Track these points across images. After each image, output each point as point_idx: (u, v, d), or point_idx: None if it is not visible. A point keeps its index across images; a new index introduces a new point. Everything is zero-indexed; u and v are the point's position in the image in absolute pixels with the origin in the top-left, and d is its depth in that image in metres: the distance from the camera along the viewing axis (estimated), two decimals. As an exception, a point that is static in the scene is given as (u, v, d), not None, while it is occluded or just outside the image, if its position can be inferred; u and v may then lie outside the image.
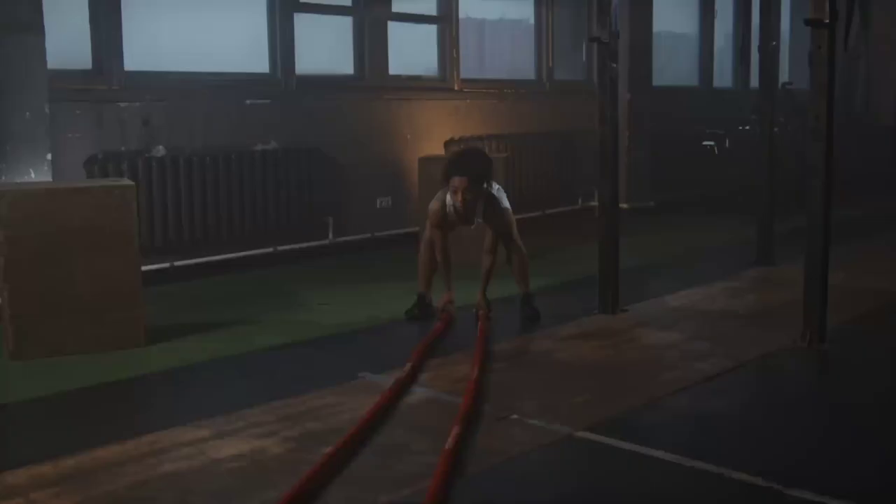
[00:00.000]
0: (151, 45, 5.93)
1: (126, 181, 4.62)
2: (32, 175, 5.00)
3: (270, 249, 6.51)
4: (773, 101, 6.01)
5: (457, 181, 4.55)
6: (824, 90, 4.00)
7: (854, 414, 3.47)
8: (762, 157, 6.13)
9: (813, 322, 4.18)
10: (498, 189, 4.91)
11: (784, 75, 10.64)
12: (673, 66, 10.16)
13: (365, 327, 4.79)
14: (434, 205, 4.76)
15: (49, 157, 5.11)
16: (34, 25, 4.98)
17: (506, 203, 4.89)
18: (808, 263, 4.19)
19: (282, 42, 6.56)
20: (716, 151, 9.25)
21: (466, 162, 4.66)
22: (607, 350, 4.22)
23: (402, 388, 3.62)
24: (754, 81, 6.17)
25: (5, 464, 2.94)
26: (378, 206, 7.25)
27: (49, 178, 5.06)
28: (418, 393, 3.62)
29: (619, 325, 4.65)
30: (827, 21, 3.93)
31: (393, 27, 7.25)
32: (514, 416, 3.32)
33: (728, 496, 2.69)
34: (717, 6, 10.17)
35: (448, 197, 4.67)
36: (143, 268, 5.65)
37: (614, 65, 4.77)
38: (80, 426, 3.39)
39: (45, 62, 5.07)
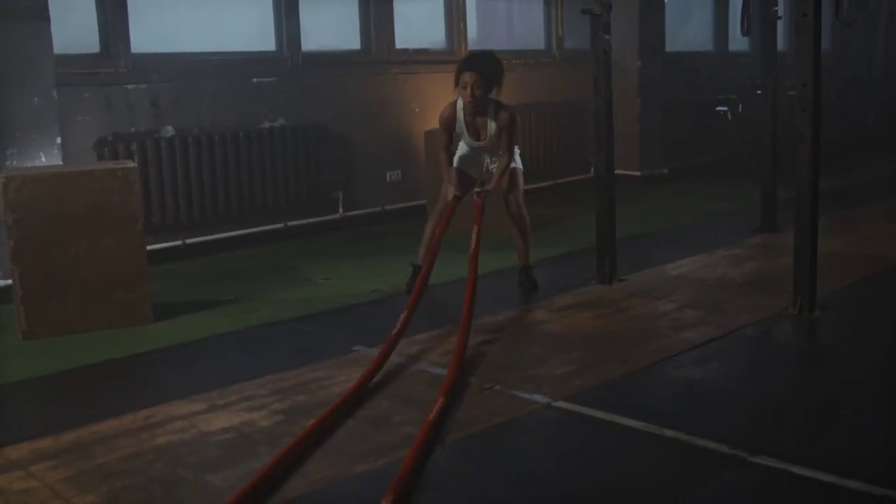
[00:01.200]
0: (158, 27, 6.03)
1: (130, 163, 4.74)
2: (43, 159, 5.14)
3: (281, 225, 6.63)
4: (775, 67, 5.99)
5: (467, 76, 4.66)
6: (810, 56, 4.00)
7: (833, 382, 3.52)
8: (765, 122, 6.12)
9: (803, 289, 4.22)
10: (518, 154, 5.01)
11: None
12: (687, 29, 10.09)
13: (365, 301, 4.90)
14: (445, 110, 4.88)
15: (58, 140, 5.23)
16: (40, 11, 5.08)
17: (519, 163, 4.99)
18: (798, 230, 4.23)
19: (287, 19, 6.63)
20: (729, 117, 9.20)
21: (476, 59, 4.80)
22: (598, 321, 4.29)
23: (393, 343, 3.72)
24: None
25: (9, 438, 3.10)
26: (388, 179, 7.34)
27: (59, 162, 5.19)
28: (408, 365, 3.73)
29: (615, 296, 4.72)
30: (812, -10, 3.94)
31: (399, 1, 7.29)
32: (498, 387, 3.42)
33: (692, 463, 2.77)
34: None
35: (459, 102, 4.79)
36: (155, 246, 5.88)
37: (607, 36, 4.79)
38: (82, 402, 3.54)
39: (51, 48, 5.17)
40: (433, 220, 5.01)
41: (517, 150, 5.00)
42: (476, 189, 4.82)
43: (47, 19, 5.13)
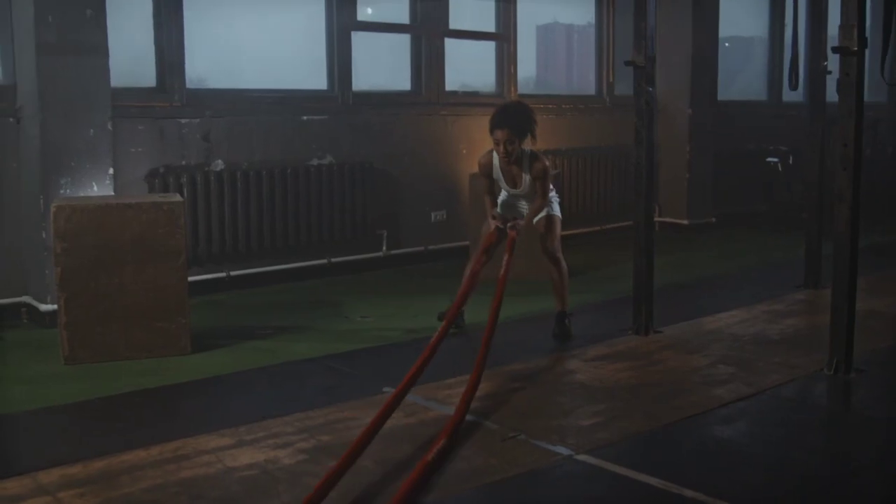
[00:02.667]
0: (213, 63, 6.22)
1: (177, 197, 4.87)
2: (95, 189, 5.32)
3: (324, 261, 6.73)
4: (823, 122, 5.94)
5: (498, 134, 4.78)
6: (852, 117, 3.98)
7: (865, 449, 3.46)
8: (812, 176, 6.07)
9: (839, 349, 4.16)
10: (554, 194, 5.08)
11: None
12: (741, 78, 10.06)
13: (401, 341, 4.95)
14: (483, 157, 5.02)
15: (111, 171, 5.41)
16: (99, 47, 5.29)
17: (557, 210, 5.06)
18: (835, 290, 4.17)
19: (339, 59, 6.78)
20: (780, 168, 9.12)
21: (506, 115, 4.85)
22: (629, 372, 4.28)
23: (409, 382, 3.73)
24: (831, 95, 6.04)
25: (43, 463, 3.19)
26: (433, 219, 7.41)
27: (111, 192, 5.37)
28: (433, 409, 3.75)
29: (648, 348, 4.70)
30: (855, 49, 3.92)
31: (450, 43, 7.40)
32: (521, 437, 3.43)
33: (711, 525, 2.75)
34: (786, 19, 10.04)
35: (493, 154, 4.94)
36: (199, 276, 6.03)
37: (650, 88, 4.82)
38: (115, 430, 3.62)
39: (108, 81, 5.37)
40: (473, 260, 5.06)
41: (556, 198, 5.05)
42: (509, 223, 4.88)
43: (106, 55, 5.33)
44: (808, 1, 6.15)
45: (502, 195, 5.14)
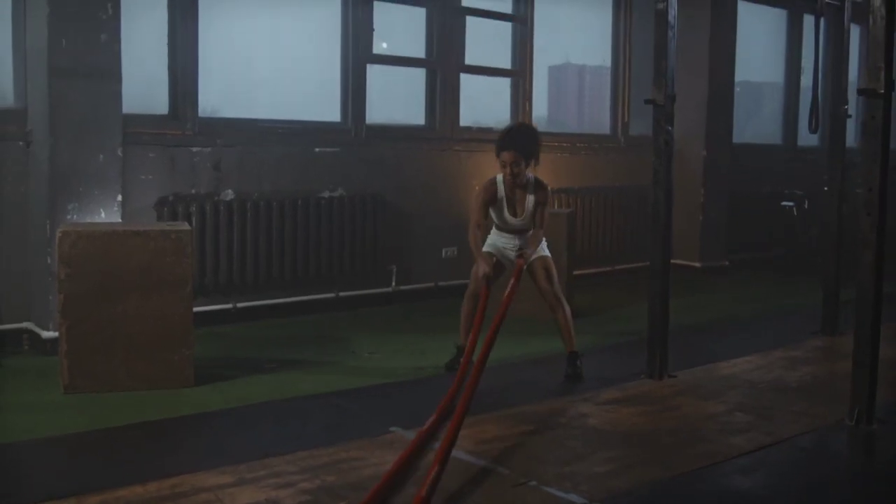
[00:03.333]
0: (226, 92, 6.18)
1: (184, 225, 4.80)
2: (103, 215, 5.24)
3: (332, 295, 6.63)
4: (842, 166, 5.86)
5: (506, 156, 4.80)
6: (877, 161, 3.89)
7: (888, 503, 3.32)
8: (831, 221, 5.97)
9: (861, 400, 4.03)
10: (543, 243, 5.03)
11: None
12: (756, 122, 10.01)
13: (408, 379, 4.84)
14: (488, 185, 4.97)
15: (119, 198, 5.34)
16: (112, 73, 5.25)
17: (548, 251, 5.02)
18: (858, 338, 4.05)
19: (354, 91, 6.73)
20: (795, 212, 9.02)
21: (514, 137, 4.87)
22: (644, 418, 4.15)
23: (424, 442, 3.63)
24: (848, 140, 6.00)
25: (36, 496, 3.08)
26: (443, 255, 7.32)
27: (119, 219, 5.30)
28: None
29: (663, 392, 4.57)
30: (882, 91, 3.84)
31: (465, 79, 7.35)
32: (533, 483, 3.30)
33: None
34: (803, 63, 10.02)
35: (499, 177, 4.91)
36: (206, 307, 5.93)
37: (669, 127, 4.74)
38: (112, 463, 3.50)
39: (120, 107, 5.33)
40: (468, 301, 4.98)
41: (543, 241, 5.01)
42: (517, 253, 4.88)
43: (119, 81, 5.29)
44: (826, 46, 6.09)
45: (493, 236, 5.07)
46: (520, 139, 4.88)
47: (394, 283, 6.97)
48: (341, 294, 6.67)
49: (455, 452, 3.59)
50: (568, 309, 4.95)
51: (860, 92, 3.91)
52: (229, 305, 6.13)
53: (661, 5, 4.67)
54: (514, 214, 4.96)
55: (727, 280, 8.50)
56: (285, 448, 3.59)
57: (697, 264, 8.70)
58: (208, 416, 4.11)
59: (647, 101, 4.76)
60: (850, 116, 5.86)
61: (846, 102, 5.79)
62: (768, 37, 10.03)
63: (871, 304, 3.99)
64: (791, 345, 5.66)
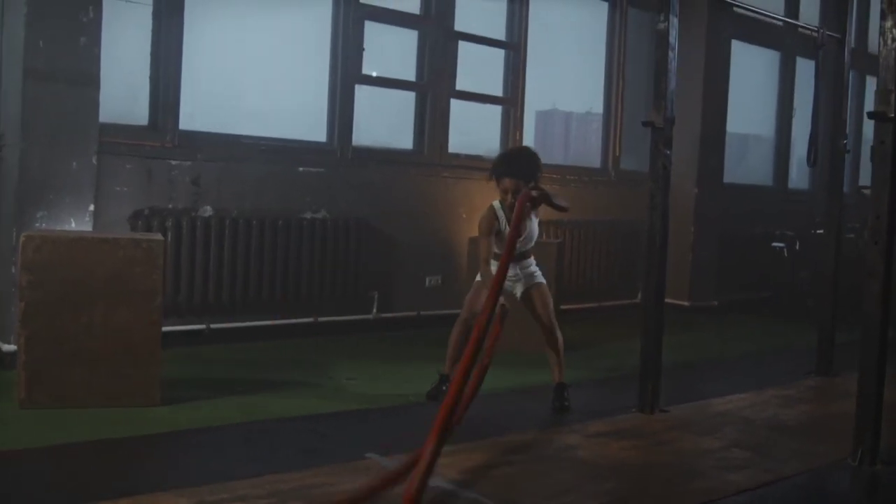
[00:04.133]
0: (209, 106, 5.97)
1: (156, 235, 4.56)
2: (73, 225, 5.01)
3: (311, 319, 6.39)
4: (840, 202, 5.70)
5: (507, 183, 4.59)
6: (886, 187, 3.72)
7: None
8: (827, 261, 5.79)
9: (865, 439, 3.82)
10: (536, 265, 4.85)
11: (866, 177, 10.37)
12: (747, 164, 9.90)
13: (387, 406, 4.59)
14: (485, 216, 4.72)
15: (91, 207, 5.11)
16: (91, 78, 5.05)
17: (542, 278, 4.84)
18: (863, 373, 3.85)
19: (341, 111, 6.54)
20: (785, 254, 8.87)
21: (513, 162, 4.68)
22: (635, 451, 3.91)
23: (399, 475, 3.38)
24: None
25: (-25, 515, 2.82)
26: (427, 283, 7.10)
27: (89, 229, 5.06)
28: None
29: (655, 427, 4.34)
30: (892, 115, 3.68)
31: (456, 104, 7.19)
32: (518, 514, 3.06)
33: None
34: (795, 104, 9.95)
35: (496, 202, 4.71)
36: (178, 327, 5.68)
37: (668, 151, 4.56)
38: (64, 483, 3.24)
39: (97, 114, 5.12)
40: (458, 327, 4.78)
41: (538, 268, 4.85)
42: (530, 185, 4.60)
43: (97, 86, 5.09)
44: (815, 89, 5.93)
45: (491, 268, 4.84)
46: (521, 164, 4.68)
47: (375, 311, 6.73)
48: (320, 319, 6.42)
49: (437, 481, 3.35)
50: (561, 338, 4.74)
51: (870, 116, 3.75)
52: (203, 326, 5.87)
53: (662, 25, 4.53)
54: (518, 235, 4.73)
55: (716, 320, 8.31)
56: (252, 471, 3.34)
57: (686, 303, 8.52)
58: (171, 436, 3.85)
59: (644, 123, 4.59)
60: (848, 151, 5.72)
61: (845, 137, 5.65)
62: (761, 78, 9.95)
63: (877, 338, 3.80)
64: (785, 384, 5.45)
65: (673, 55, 4.54)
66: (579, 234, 7.95)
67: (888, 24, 3.69)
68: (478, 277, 4.88)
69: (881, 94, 3.71)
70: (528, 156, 4.80)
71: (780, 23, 8.81)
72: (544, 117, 8.79)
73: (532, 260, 4.89)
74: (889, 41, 3.72)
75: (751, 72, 9.60)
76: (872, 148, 3.79)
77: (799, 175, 10.38)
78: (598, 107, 8.55)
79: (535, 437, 4.07)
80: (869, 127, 10.16)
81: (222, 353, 5.63)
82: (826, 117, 5.69)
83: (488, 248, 4.65)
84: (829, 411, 4.83)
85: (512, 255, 4.15)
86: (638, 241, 8.20)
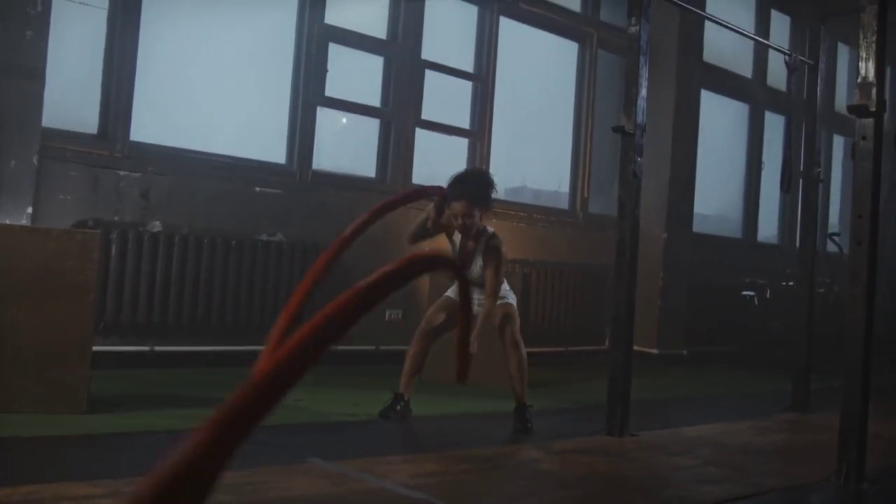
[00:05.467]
0: (162, 118, 5.72)
1: (92, 230, 4.25)
2: (7, 226, 4.68)
3: (263, 347, 6.02)
4: (815, 231, 5.53)
5: (456, 206, 4.28)
6: (869, 185, 3.53)
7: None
8: (801, 299, 5.58)
9: (850, 455, 3.54)
10: (508, 289, 4.57)
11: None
12: (716, 216, 9.77)
13: (334, 422, 4.26)
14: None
15: (29, 210, 4.82)
16: (35, 73, 4.81)
17: (513, 300, 4.55)
18: (846, 386, 3.59)
19: (302, 133, 6.32)
20: (756, 302, 8.68)
21: (464, 185, 4.35)
22: (604, 466, 3.61)
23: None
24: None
25: None
26: (386, 317, 6.79)
27: (25, 233, 4.73)
28: (366, 481, 3.06)
29: (625, 447, 4.04)
30: (873, 109, 3.52)
31: (421, 134, 7.01)
32: (474, 514, 2.74)
33: None
34: (764, 158, 9.90)
35: (431, 211, 4.40)
36: (118, 347, 5.33)
37: (639, 158, 4.37)
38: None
39: (40, 111, 4.87)
40: (418, 340, 4.52)
41: (511, 292, 4.61)
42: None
43: (42, 82, 4.84)
44: (787, 115, 5.84)
45: (454, 286, 4.61)
46: (472, 186, 4.38)
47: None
48: (272, 348, 6.07)
49: (387, 485, 3.04)
50: (524, 356, 4.45)
51: (850, 110, 3.58)
52: (146, 348, 5.52)
53: (632, 29, 4.38)
54: (464, 266, 4.48)
55: (686, 367, 8.05)
56: (179, 468, 2.99)
57: (655, 351, 8.26)
58: (97, 438, 3.49)
59: (615, 129, 4.40)
60: (822, 181, 5.57)
61: (819, 165, 5.51)
62: (730, 130, 9.92)
63: (860, 347, 3.56)
64: (760, 418, 5.17)
65: (644, 60, 4.38)
66: (546, 275, 7.70)
67: (868, 14, 3.54)
68: (448, 293, 4.62)
69: (862, 88, 3.55)
70: (479, 177, 4.54)
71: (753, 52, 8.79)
72: (513, 194, 8.53)
73: (504, 285, 4.64)
74: (869, 34, 3.57)
75: (720, 123, 9.55)
76: (853, 146, 3.60)
77: (768, 228, 10.27)
78: (566, 185, 8.38)
79: (496, 452, 3.76)
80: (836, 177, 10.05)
81: (165, 377, 5.26)
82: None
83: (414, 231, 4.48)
84: (807, 440, 4.56)
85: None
86: (605, 286, 7.99)
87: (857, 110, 3.55)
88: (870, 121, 3.55)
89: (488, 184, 4.46)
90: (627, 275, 4.36)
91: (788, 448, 4.34)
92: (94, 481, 2.74)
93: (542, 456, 3.71)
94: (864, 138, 3.56)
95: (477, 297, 4.49)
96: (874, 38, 3.55)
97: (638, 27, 4.36)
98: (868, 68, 3.53)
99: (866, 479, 3.54)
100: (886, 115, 3.64)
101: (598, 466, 3.57)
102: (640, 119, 4.36)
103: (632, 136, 4.35)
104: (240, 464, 2.84)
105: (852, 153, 3.62)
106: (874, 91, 3.53)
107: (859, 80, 3.56)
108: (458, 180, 4.45)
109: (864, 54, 3.57)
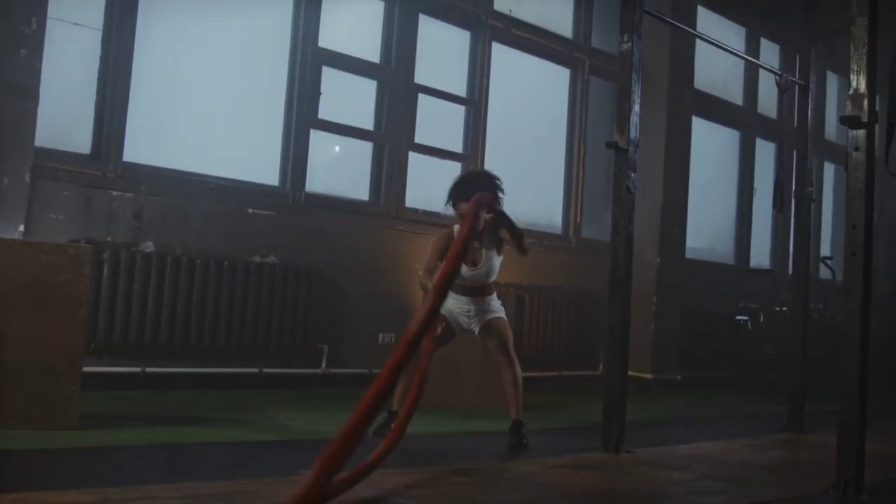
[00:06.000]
0: (155, 139, 5.71)
1: (85, 244, 4.23)
2: (-2, 244, 4.65)
3: (256, 370, 6.00)
4: (807, 249, 5.53)
5: (464, 207, 4.25)
6: (862, 196, 3.54)
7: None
8: (794, 320, 5.57)
9: (848, 467, 3.51)
10: (501, 305, 4.59)
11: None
12: (708, 239, 9.77)
13: (326, 439, 4.19)
14: (442, 238, 4.51)
15: (21, 228, 4.79)
16: (29, 91, 4.81)
17: (503, 314, 4.54)
18: (843, 397, 3.57)
19: (295, 155, 6.32)
20: (749, 327, 8.66)
21: (472, 185, 4.36)
22: (600, 480, 3.57)
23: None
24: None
25: None
26: (380, 340, 6.74)
27: (16, 251, 4.70)
28: (364, 491, 3.01)
29: (621, 462, 4.00)
30: (865, 120, 3.53)
31: (414, 158, 7.02)
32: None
33: None
34: (756, 185, 9.93)
35: (456, 227, 4.42)
36: (109, 368, 5.29)
37: (632, 174, 4.37)
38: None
39: (34, 129, 4.85)
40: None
41: (498, 301, 4.65)
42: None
43: (35, 100, 4.85)
44: (779, 135, 5.87)
45: (448, 299, 4.57)
46: (481, 187, 4.35)
47: (324, 365, 6.36)
48: (265, 370, 6.03)
49: (380, 492, 3.00)
50: (519, 372, 4.44)
51: (843, 121, 3.60)
52: (137, 369, 5.46)
53: (625, 46, 4.40)
54: (473, 265, 4.48)
55: (680, 392, 8.01)
56: (168, 479, 2.95)
57: (649, 376, 8.22)
58: (89, 451, 3.44)
59: (608, 145, 4.41)
60: (813, 200, 5.58)
61: (811, 184, 5.53)
62: (722, 156, 9.96)
63: (857, 360, 3.54)
64: (756, 437, 5.14)
65: (637, 77, 4.40)
66: (539, 299, 7.67)
67: (859, 27, 3.57)
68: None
69: (854, 99, 3.57)
70: (487, 177, 4.57)
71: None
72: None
73: (493, 297, 4.65)
74: (860, 46, 3.59)
75: (712, 149, 9.59)
76: (846, 156, 3.61)
77: (761, 255, 10.27)
78: (559, 209, 8.41)
79: (492, 466, 3.73)
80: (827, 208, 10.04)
81: (156, 398, 5.20)
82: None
83: (432, 260, 4.42)
84: (805, 456, 4.53)
85: (455, 266, 3.70)
86: (599, 310, 7.97)
87: (850, 121, 3.56)
88: (862, 132, 3.56)
89: (496, 183, 4.48)
90: (622, 289, 4.34)
91: (786, 464, 4.31)
92: (82, 490, 2.70)
93: (538, 470, 3.67)
94: (856, 149, 3.57)
95: (473, 308, 4.49)
96: (865, 51, 3.58)
97: (630, 44, 4.39)
98: (860, 80, 3.55)
99: (865, 490, 3.51)
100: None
101: (596, 480, 3.53)
102: (633, 135, 4.37)
103: (625, 151, 4.36)
104: (231, 474, 2.82)
105: (845, 165, 3.63)
106: (866, 102, 3.55)
107: (851, 91, 3.58)
108: (464, 182, 4.53)
109: (855, 66, 3.59)
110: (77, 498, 2.60)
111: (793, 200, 5.58)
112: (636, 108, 4.40)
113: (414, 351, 3.07)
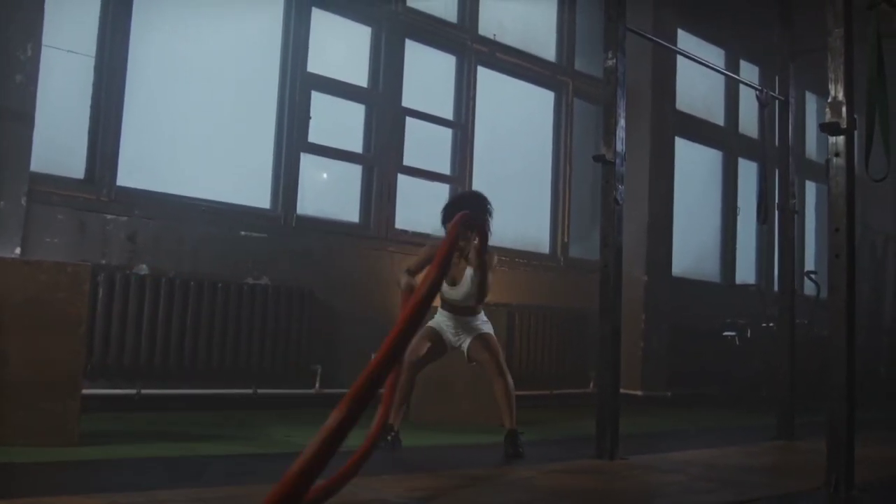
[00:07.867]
0: (148, 163, 5.78)
1: (83, 263, 4.28)
2: (-5, 267, 4.69)
3: (250, 391, 6.03)
4: (792, 261, 5.64)
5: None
6: (844, 198, 3.64)
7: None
8: (782, 330, 5.65)
9: (838, 464, 3.58)
10: (486, 319, 4.74)
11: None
12: (694, 257, 9.89)
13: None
14: (429, 248, 4.62)
15: (17, 251, 4.84)
16: (24, 116, 4.88)
17: (490, 329, 4.70)
18: (832, 395, 3.65)
19: (286, 178, 6.41)
20: (737, 342, 8.76)
21: (461, 206, 4.44)
22: (597, 483, 3.63)
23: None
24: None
25: None
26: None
27: (13, 273, 4.75)
28: (363, 494, 3.07)
29: (615, 468, 4.05)
30: (844, 127, 3.65)
31: (403, 180, 7.11)
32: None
33: None
34: (739, 204, 10.09)
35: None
36: (104, 390, 5.32)
37: (620, 186, 4.47)
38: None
39: (29, 154, 4.93)
40: (403, 372, 4.54)
41: (484, 315, 4.79)
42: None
43: (31, 126, 4.91)
44: (761, 149, 5.99)
45: (437, 315, 4.79)
46: (471, 208, 4.47)
47: (318, 386, 6.40)
48: (259, 391, 6.07)
49: (379, 496, 3.05)
50: (510, 382, 4.51)
51: (822, 128, 3.71)
52: (133, 391, 5.49)
53: (609, 62, 4.52)
54: (452, 283, 4.60)
55: (671, 407, 8.08)
56: (174, 484, 3.00)
57: (639, 393, 8.29)
58: (92, 463, 3.48)
59: (595, 158, 4.52)
60: (797, 212, 5.70)
61: (794, 196, 5.65)
62: (705, 176, 10.12)
63: (843, 359, 3.63)
64: (748, 444, 5.21)
65: (622, 92, 4.52)
66: (529, 318, 7.74)
67: (835, 37, 3.70)
68: (430, 323, 4.71)
69: (833, 107, 3.69)
70: (476, 199, 4.69)
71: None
72: (494, 238, 8.66)
73: (479, 315, 4.74)
74: (836, 56, 3.72)
75: (695, 169, 9.74)
76: (826, 161, 3.73)
77: (746, 272, 10.40)
78: (546, 229, 8.51)
79: (489, 472, 3.78)
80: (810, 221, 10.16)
81: (153, 418, 5.23)
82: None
83: (416, 262, 4.52)
84: (797, 460, 4.60)
85: (439, 275, 3.71)
86: (588, 329, 8.04)
87: (829, 128, 3.68)
88: (841, 138, 3.68)
89: (486, 206, 4.59)
90: (612, 300, 4.42)
91: (778, 466, 4.38)
92: (90, 495, 2.74)
93: (535, 474, 3.72)
94: (836, 155, 3.69)
95: (460, 325, 4.60)
96: (842, 60, 3.71)
97: (615, 60, 4.51)
98: (837, 89, 3.68)
99: (856, 486, 3.58)
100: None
101: (592, 483, 3.59)
102: (619, 148, 4.48)
103: (612, 164, 4.46)
104: (227, 481, 2.87)
105: (826, 170, 3.74)
106: (844, 109, 3.67)
107: (830, 99, 3.70)
108: (457, 202, 4.65)
109: (832, 76, 3.71)
110: (85, 501, 2.64)
111: (776, 213, 5.72)
112: (622, 122, 4.51)
113: (398, 356, 3.10)
